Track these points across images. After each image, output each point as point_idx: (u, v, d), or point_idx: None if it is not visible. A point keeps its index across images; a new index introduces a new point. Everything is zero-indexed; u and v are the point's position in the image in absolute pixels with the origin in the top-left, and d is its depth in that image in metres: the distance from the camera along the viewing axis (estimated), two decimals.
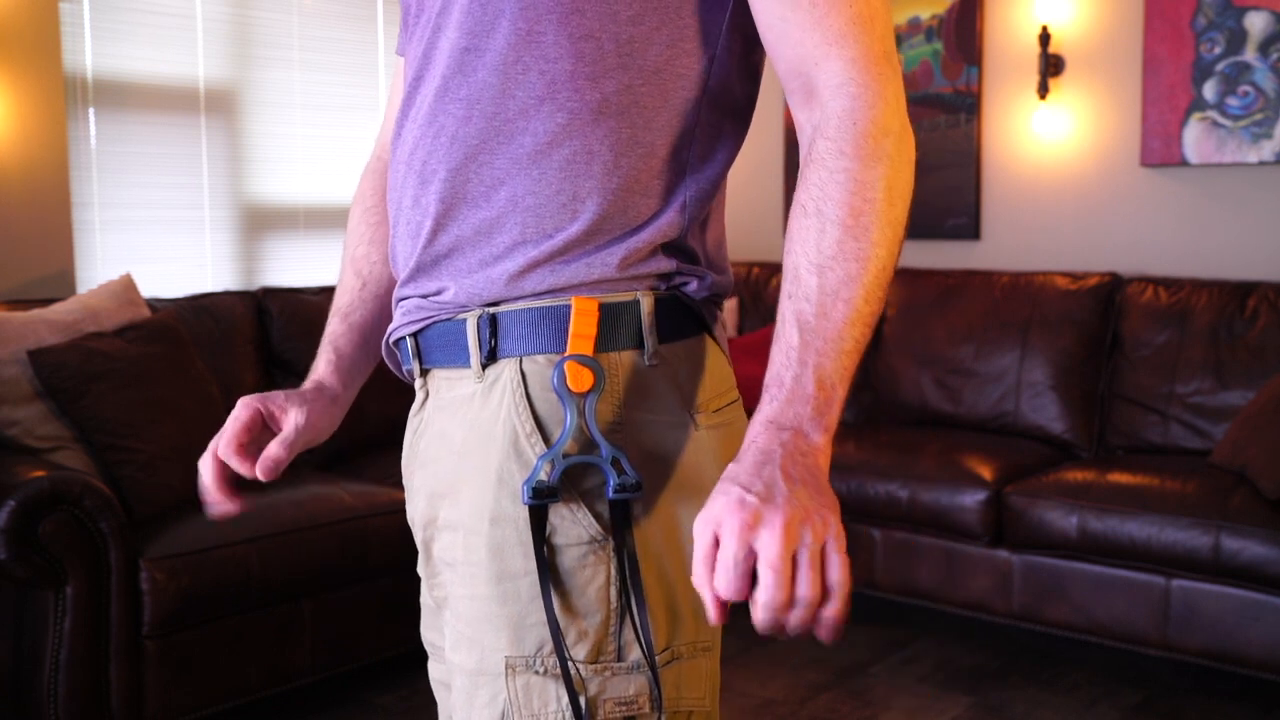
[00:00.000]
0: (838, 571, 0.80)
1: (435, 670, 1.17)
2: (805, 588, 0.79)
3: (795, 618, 0.79)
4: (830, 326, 0.88)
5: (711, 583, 0.79)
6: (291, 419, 1.13)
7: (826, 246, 0.90)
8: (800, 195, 0.93)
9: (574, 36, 0.95)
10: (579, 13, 0.95)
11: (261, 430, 1.14)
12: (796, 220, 0.92)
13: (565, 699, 0.95)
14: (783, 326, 0.90)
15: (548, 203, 0.97)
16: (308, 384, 1.19)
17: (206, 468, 1.12)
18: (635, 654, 0.96)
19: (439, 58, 1.01)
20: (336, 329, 1.22)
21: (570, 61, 0.96)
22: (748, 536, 0.79)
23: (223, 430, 1.13)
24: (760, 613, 0.79)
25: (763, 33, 0.97)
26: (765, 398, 0.89)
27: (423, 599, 1.16)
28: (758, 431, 0.87)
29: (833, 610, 0.80)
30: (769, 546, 0.78)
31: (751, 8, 0.97)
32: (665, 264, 1.00)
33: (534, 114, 0.97)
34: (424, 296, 1.04)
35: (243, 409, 1.13)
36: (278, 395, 1.15)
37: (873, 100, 0.92)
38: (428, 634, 1.17)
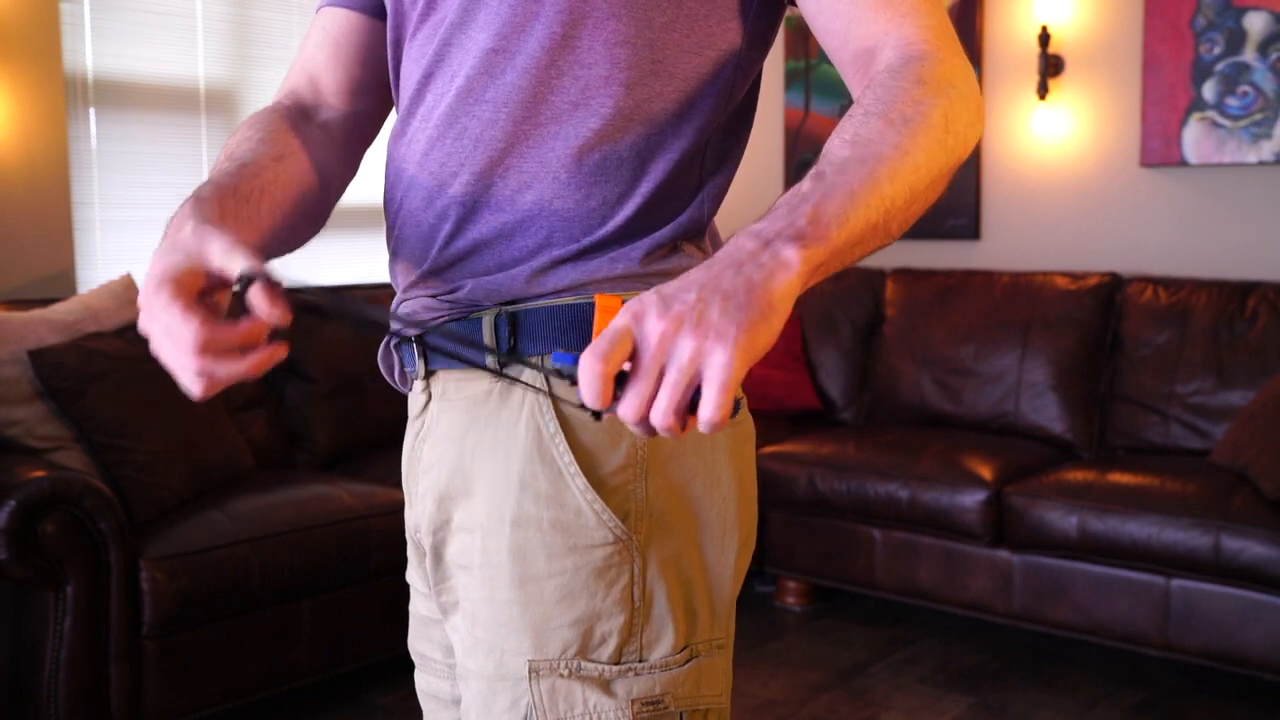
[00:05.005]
0: (707, 401, 0.73)
1: (424, 682, 1.16)
2: (661, 405, 0.73)
3: (656, 424, 0.75)
4: (845, 181, 0.82)
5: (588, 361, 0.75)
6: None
7: (865, 131, 0.85)
8: (852, 108, 0.89)
9: (609, 43, 0.95)
10: (615, 18, 0.95)
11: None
12: (841, 122, 0.87)
13: (592, 700, 0.95)
14: (798, 183, 0.84)
15: (576, 208, 0.97)
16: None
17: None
18: (658, 653, 0.96)
19: (460, 57, 0.99)
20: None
21: (605, 67, 0.95)
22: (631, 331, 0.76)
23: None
24: (620, 410, 0.76)
25: (825, 23, 0.95)
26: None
27: (412, 608, 1.14)
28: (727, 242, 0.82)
29: (694, 423, 0.75)
30: (638, 356, 0.74)
31: (810, 4, 0.96)
32: (685, 260, 1.00)
33: (566, 119, 0.96)
34: (433, 296, 1.02)
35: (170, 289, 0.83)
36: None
37: (942, 59, 0.90)
38: (417, 645, 1.15)
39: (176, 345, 0.82)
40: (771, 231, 0.78)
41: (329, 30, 1.13)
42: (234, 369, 0.84)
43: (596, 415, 0.78)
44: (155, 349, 0.85)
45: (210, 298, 0.85)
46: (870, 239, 0.83)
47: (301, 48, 1.16)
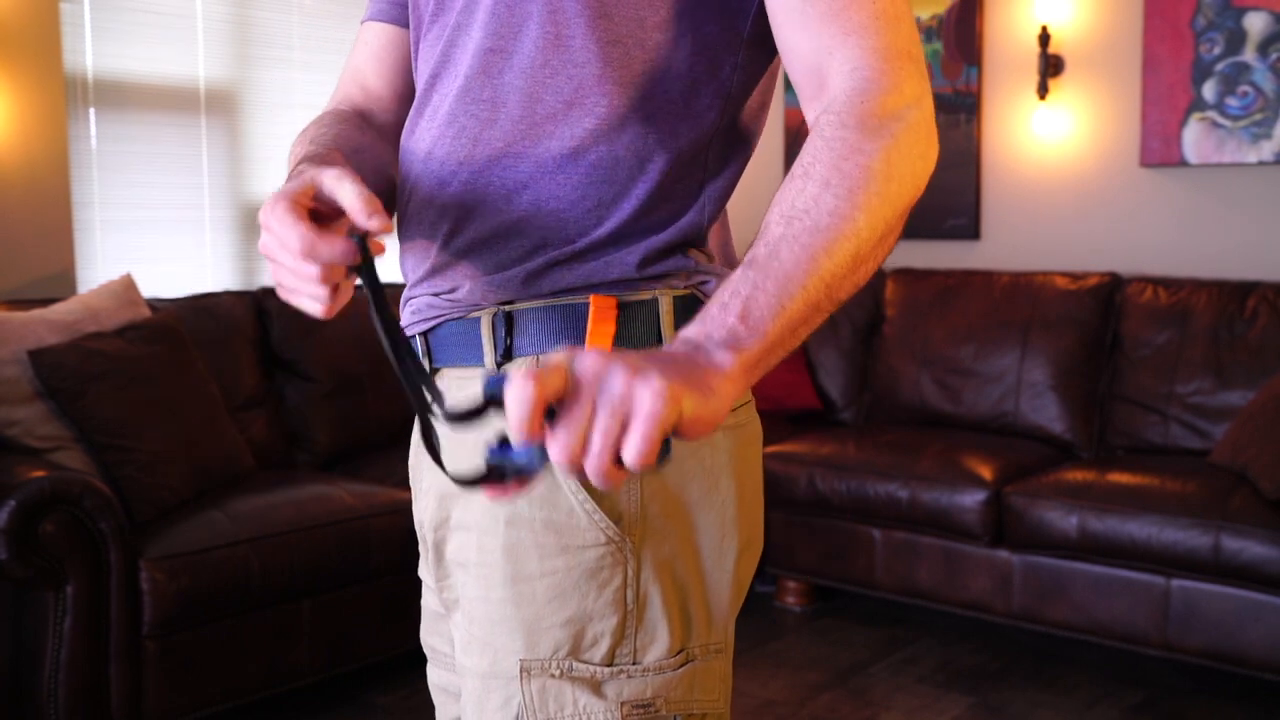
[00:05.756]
0: (629, 438, 0.70)
1: (435, 675, 1.16)
2: (594, 447, 0.71)
3: (589, 468, 0.72)
4: (778, 267, 0.81)
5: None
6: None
7: (801, 201, 0.84)
8: (794, 165, 0.88)
9: (602, 41, 0.95)
10: (607, 17, 0.95)
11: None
12: (783, 184, 0.87)
13: (582, 701, 0.95)
14: (730, 274, 0.83)
15: (572, 208, 0.97)
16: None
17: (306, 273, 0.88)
18: (651, 656, 0.96)
19: (461, 57, 1.00)
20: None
21: (598, 66, 0.95)
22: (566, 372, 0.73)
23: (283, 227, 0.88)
24: (552, 449, 0.72)
25: (778, 29, 0.94)
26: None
27: (424, 602, 1.15)
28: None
29: (627, 462, 0.71)
30: (570, 393, 0.72)
31: (768, 6, 0.95)
32: (684, 263, 1.00)
33: (561, 118, 0.96)
34: (435, 295, 1.03)
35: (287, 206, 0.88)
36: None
37: (888, 87, 0.87)
38: (429, 638, 1.16)
39: (287, 251, 0.87)
40: (702, 336, 0.78)
41: (371, 44, 1.18)
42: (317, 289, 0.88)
43: (501, 476, 0.74)
44: (275, 277, 0.90)
45: (323, 223, 0.90)
46: (814, 316, 0.82)
47: (349, 59, 1.20)
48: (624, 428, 0.70)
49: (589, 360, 0.72)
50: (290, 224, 0.86)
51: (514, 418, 0.70)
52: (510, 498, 0.75)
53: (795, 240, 0.82)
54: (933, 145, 0.89)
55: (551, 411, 0.72)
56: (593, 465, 0.71)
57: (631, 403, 0.70)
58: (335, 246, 0.86)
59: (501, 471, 0.75)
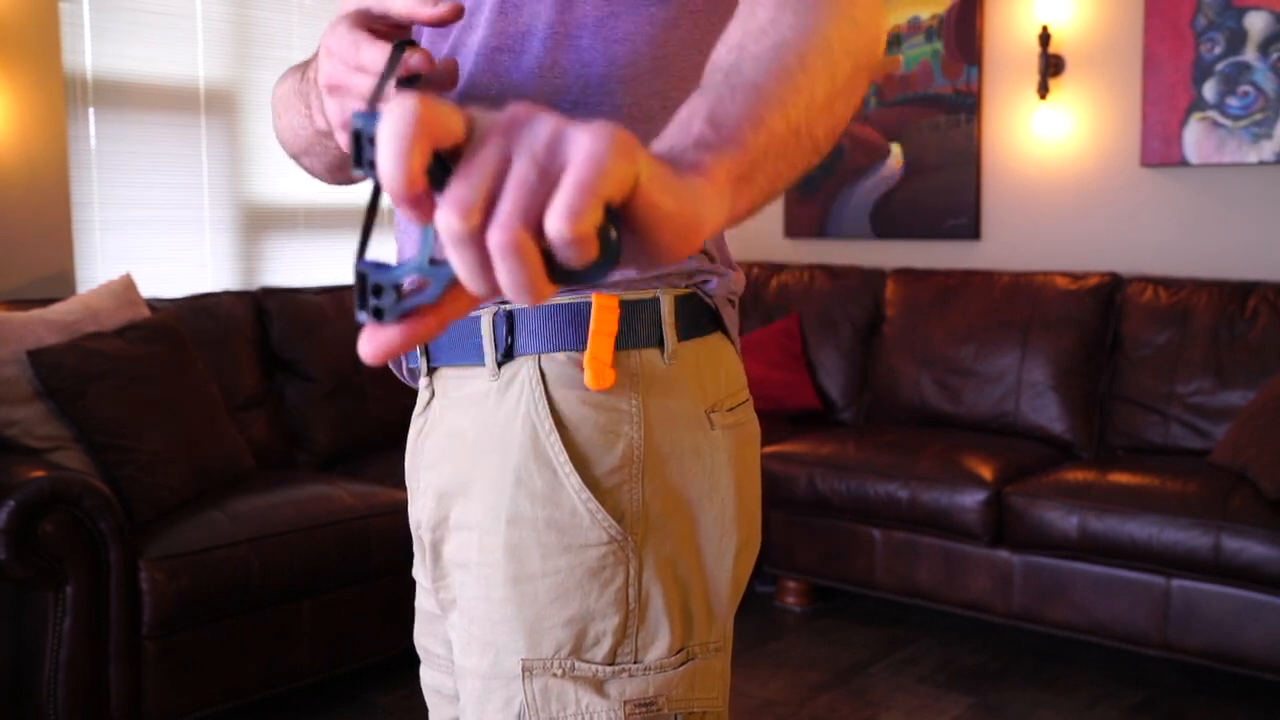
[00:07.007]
0: (557, 200, 0.48)
1: (428, 676, 1.16)
2: (503, 209, 0.48)
3: (495, 243, 0.48)
4: (742, 81, 0.64)
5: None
6: None
7: (754, 24, 0.69)
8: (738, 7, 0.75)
9: (609, 40, 0.95)
10: (614, 16, 0.95)
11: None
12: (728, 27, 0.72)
13: (584, 701, 0.95)
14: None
15: None
16: None
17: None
18: (653, 655, 0.96)
19: (466, 55, 0.99)
20: None
21: (604, 65, 0.95)
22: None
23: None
24: (442, 211, 0.48)
25: None
26: None
27: (419, 603, 1.15)
28: None
29: (553, 228, 0.48)
30: (475, 136, 0.50)
31: None
32: (689, 264, 1.00)
33: (566, 117, 0.96)
34: None
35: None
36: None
37: None
38: (423, 640, 1.15)
39: (345, 65, 0.84)
40: (662, 148, 0.59)
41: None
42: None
43: (376, 304, 0.49)
44: (332, 107, 0.87)
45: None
46: (794, 147, 0.65)
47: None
48: (550, 185, 0.49)
49: (512, 106, 0.52)
50: (343, 33, 0.84)
51: (385, 160, 0.47)
52: (387, 348, 0.52)
53: (758, 58, 0.66)
54: (885, 16, 0.78)
55: (446, 173, 0.49)
56: (499, 233, 0.48)
57: (564, 146, 0.49)
58: (377, 48, 0.83)
59: (376, 291, 0.50)
